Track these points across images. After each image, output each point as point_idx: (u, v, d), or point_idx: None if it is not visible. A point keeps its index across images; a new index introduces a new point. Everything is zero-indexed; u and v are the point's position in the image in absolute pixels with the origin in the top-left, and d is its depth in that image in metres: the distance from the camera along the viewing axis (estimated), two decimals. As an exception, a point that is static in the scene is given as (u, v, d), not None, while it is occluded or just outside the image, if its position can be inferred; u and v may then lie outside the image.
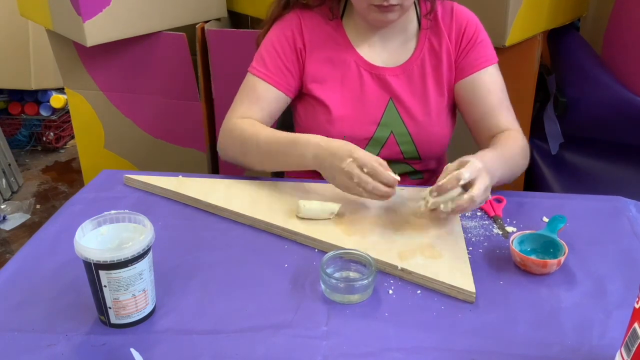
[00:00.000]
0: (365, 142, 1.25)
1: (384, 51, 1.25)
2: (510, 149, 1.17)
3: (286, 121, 1.44)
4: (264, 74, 1.24)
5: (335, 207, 1.08)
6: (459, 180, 0.98)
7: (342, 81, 1.25)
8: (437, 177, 1.19)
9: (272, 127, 1.25)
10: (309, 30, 1.25)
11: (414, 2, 1.24)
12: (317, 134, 1.19)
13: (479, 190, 0.98)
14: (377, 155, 1.22)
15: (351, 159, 1.04)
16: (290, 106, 1.32)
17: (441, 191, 0.99)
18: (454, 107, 1.31)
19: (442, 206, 1.00)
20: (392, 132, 1.25)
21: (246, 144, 1.19)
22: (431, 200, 1.00)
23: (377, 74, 1.24)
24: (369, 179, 1.03)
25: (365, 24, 1.24)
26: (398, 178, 1.05)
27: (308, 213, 1.07)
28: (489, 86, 1.24)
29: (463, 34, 1.24)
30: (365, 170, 1.03)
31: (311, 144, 1.11)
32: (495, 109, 1.23)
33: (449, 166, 1.03)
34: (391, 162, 1.12)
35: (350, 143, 1.07)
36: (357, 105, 1.24)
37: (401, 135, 1.25)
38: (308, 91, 1.26)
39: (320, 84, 1.25)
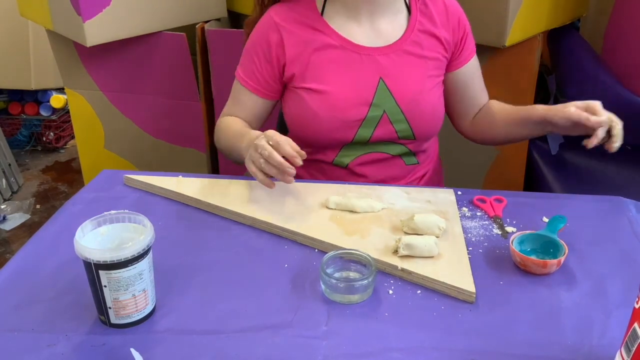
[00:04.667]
0: (358, 124, 1.24)
1: (372, 32, 1.25)
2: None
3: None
4: (244, 80, 1.29)
5: (442, 222, 1.03)
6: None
7: (330, 67, 1.23)
8: (429, 161, 1.30)
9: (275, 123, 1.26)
10: (288, 31, 1.24)
11: None
12: (307, 119, 1.24)
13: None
14: (371, 135, 1.25)
15: (263, 135, 1.08)
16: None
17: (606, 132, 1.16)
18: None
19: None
20: (384, 111, 1.24)
21: (222, 138, 1.30)
22: (405, 241, 0.97)
23: (367, 54, 1.24)
24: (270, 148, 1.04)
25: (351, 8, 1.24)
26: (303, 154, 1.05)
27: (418, 225, 1.02)
28: (474, 74, 1.33)
29: (458, 26, 1.28)
30: (270, 142, 1.06)
31: (248, 136, 1.15)
32: (478, 94, 1.35)
33: (576, 107, 1.15)
34: (386, 143, 1.19)
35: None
36: (348, 88, 1.23)
37: (394, 114, 1.24)
38: (297, 86, 1.25)
39: (308, 77, 1.24)
